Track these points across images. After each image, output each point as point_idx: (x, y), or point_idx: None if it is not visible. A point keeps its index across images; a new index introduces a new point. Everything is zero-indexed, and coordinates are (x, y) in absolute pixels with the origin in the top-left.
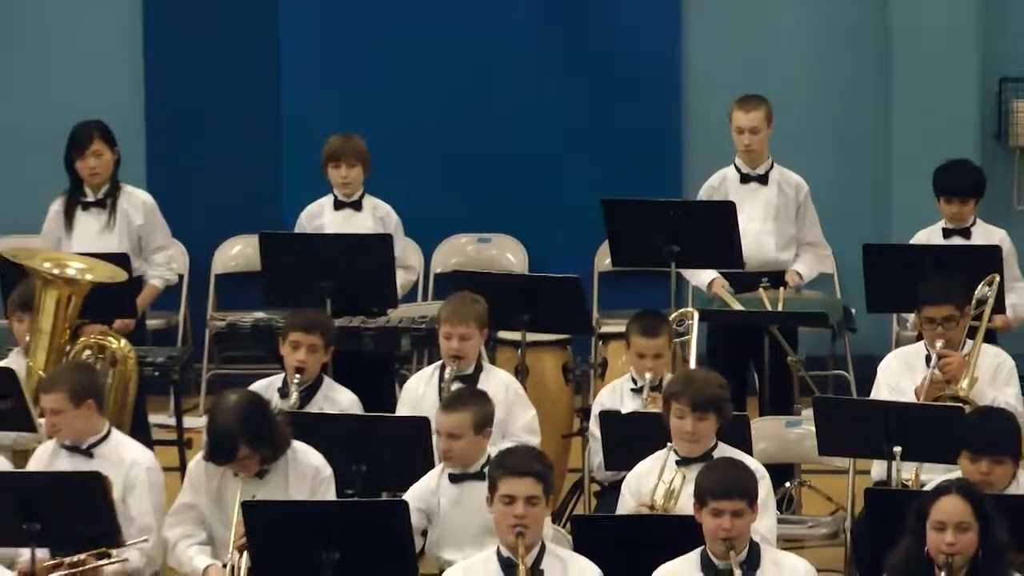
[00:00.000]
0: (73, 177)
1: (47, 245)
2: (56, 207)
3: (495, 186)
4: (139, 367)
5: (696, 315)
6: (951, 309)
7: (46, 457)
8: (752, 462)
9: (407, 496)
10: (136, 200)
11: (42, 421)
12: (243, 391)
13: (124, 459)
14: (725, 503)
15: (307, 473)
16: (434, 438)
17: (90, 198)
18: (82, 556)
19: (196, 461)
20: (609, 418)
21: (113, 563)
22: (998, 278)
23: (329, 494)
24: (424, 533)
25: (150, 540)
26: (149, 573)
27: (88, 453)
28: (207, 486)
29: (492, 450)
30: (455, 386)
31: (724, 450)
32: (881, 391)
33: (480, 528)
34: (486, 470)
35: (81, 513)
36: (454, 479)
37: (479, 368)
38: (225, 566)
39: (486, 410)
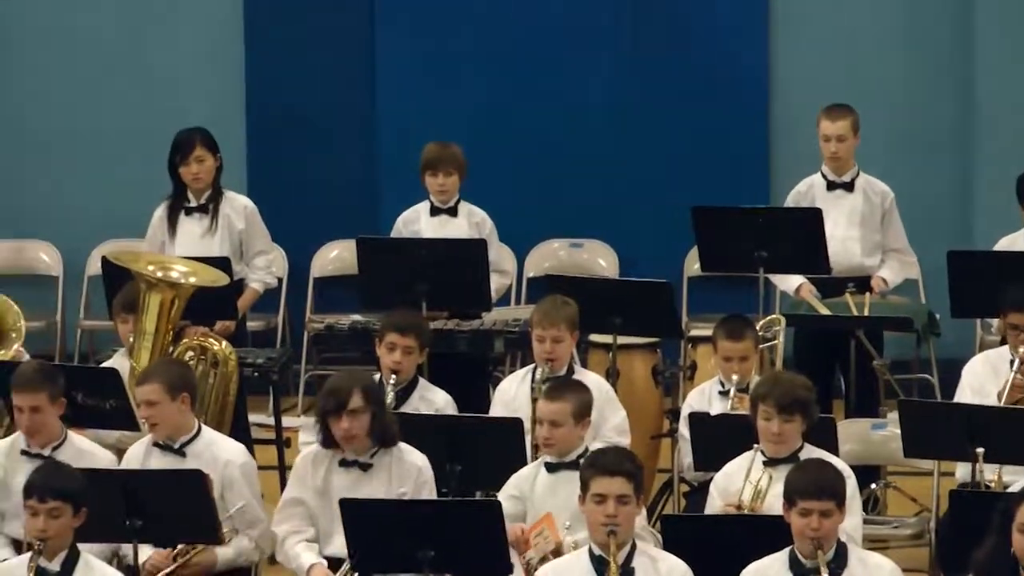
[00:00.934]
0: (176, 183)
1: (151, 249)
2: (160, 212)
3: (587, 192)
4: (239, 368)
5: (783, 322)
6: None
7: (139, 456)
8: (837, 462)
9: (507, 485)
10: (238, 205)
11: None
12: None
13: (218, 457)
14: (814, 503)
15: (411, 472)
16: (527, 438)
17: (193, 203)
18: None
19: (302, 456)
20: (698, 420)
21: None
22: None
23: (430, 495)
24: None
25: (259, 529)
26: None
27: (181, 452)
28: (313, 480)
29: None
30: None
31: (810, 451)
32: (965, 394)
33: (572, 518)
34: (582, 461)
35: (182, 510)
36: (551, 468)
37: (571, 371)
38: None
39: (586, 399)
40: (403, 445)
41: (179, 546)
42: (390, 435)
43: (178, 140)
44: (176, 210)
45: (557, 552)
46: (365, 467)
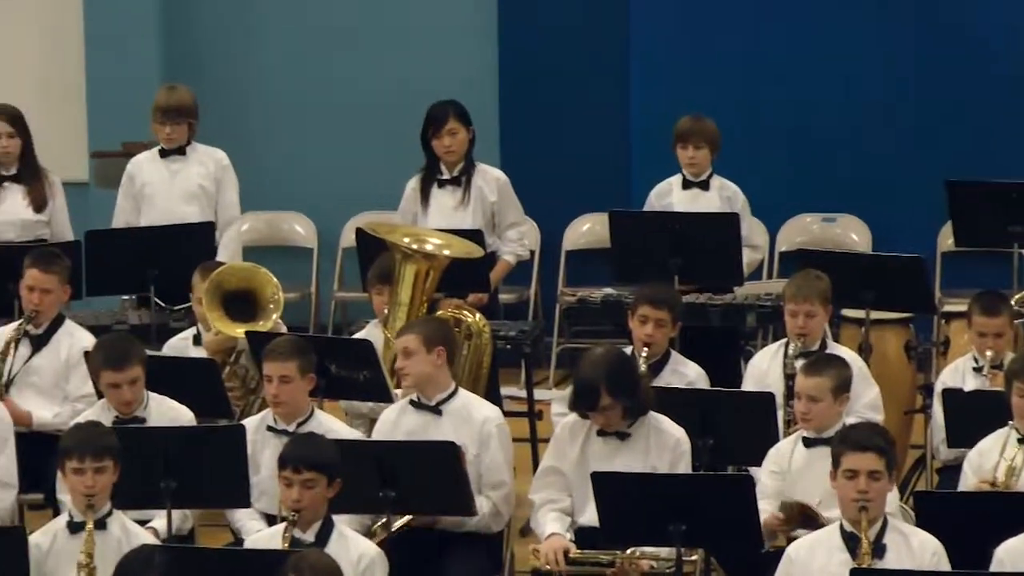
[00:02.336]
0: (430, 155)
1: (403, 221)
2: (413, 184)
3: (840, 166)
4: (492, 340)
5: None
6: None
7: (393, 416)
8: None
9: (766, 460)
10: (490, 178)
11: (398, 392)
12: (609, 346)
13: (474, 416)
14: None
15: (668, 443)
16: (779, 413)
17: (446, 176)
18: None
19: (562, 425)
20: (952, 396)
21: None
22: None
23: (685, 468)
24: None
25: (502, 492)
26: (500, 525)
27: (436, 410)
28: (570, 449)
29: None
30: (799, 363)
31: None
32: None
33: (826, 493)
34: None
35: (436, 482)
36: (808, 443)
37: (823, 346)
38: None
39: (845, 375)
40: (661, 416)
41: None
42: (644, 405)
43: (432, 113)
44: (429, 182)
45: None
46: (623, 436)
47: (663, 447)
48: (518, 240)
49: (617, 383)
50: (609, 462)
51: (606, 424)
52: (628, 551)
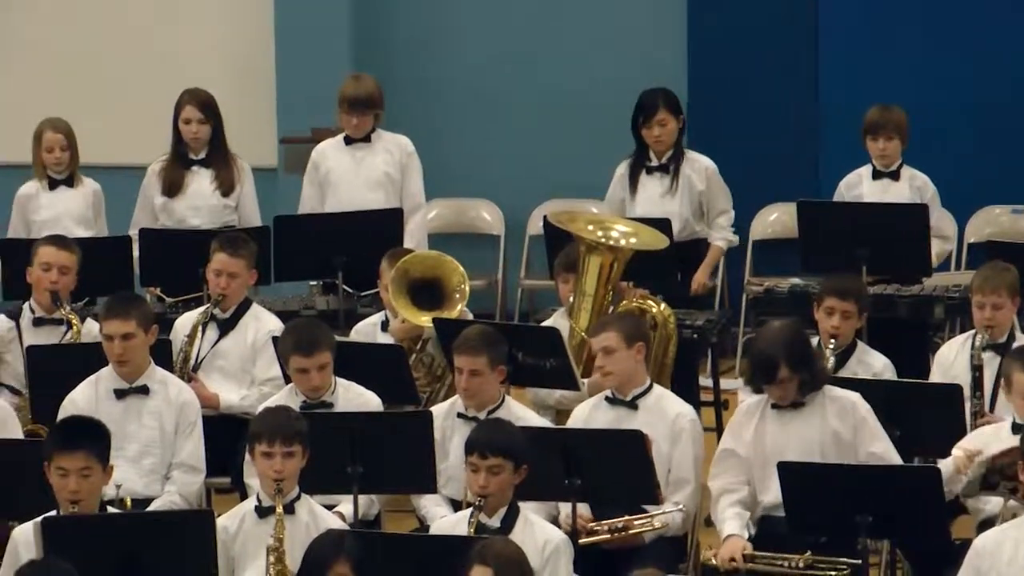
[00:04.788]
0: (639, 142)
1: (611, 208)
2: (621, 170)
3: None
4: (678, 330)
5: None
6: None
7: (587, 411)
8: None
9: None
10: (699, 166)
11: (585, 381)
12: (786, 320)
13: (667, 411)
14: None
15: (847, 409)
16: (966, 405)
17: (654, 163)
18: (622, 520)
19: (738, 409)
20: None
21: (654, 530)
22: None
23: (868, 430)
24: None
25: (686, 491)
26: (688, 527)
27: (632, 405)
28: (746, 428)
29: None
30: (986, 355)
31: None
32: None
33: None
34: None
35: (622, 470)
36: (1016, 429)
37: (1011, 337)
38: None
39: None
40: (834, 387)
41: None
42: (820, 379)
43: (642, 101)
44: (638, 169)
45: None
46: (797, 406)
47: (842, 413)
48: (728, 226)
49: (795, 356)
50: (784, 433)
51: (782, 397)
52: (807, 553)
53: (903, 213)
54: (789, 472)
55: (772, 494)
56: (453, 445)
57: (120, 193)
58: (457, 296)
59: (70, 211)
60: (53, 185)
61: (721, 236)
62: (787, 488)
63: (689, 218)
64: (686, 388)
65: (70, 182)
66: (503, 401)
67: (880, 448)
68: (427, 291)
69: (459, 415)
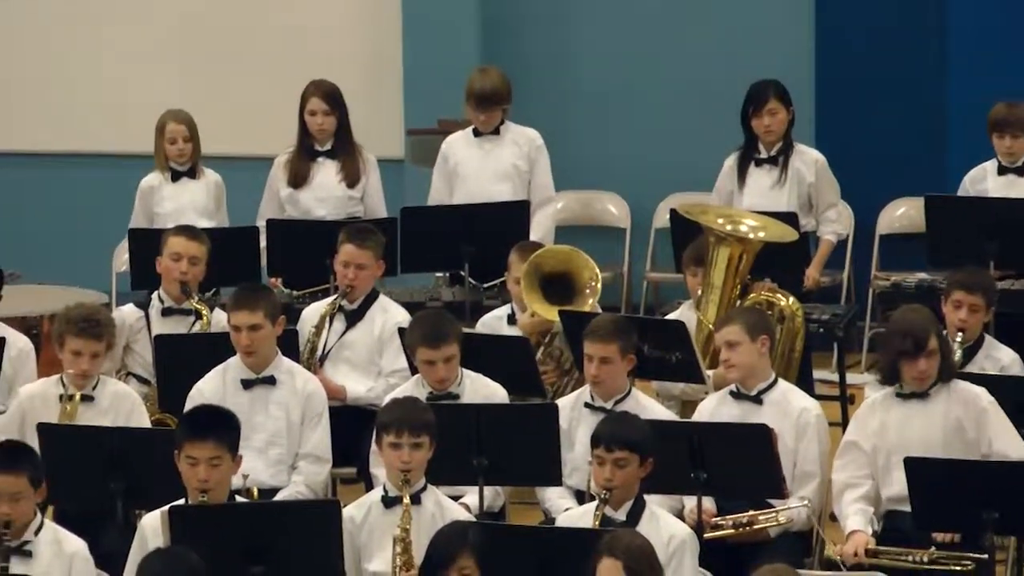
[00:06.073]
0: (748, 133)
1: (719, 199)
2: (730, 162)
3: None
4: (805, 323)
5: None
6: None
7: (712, 405)
8: None
9: None
10: (808, 159)
11: (710, 373)
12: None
13: (792, 406)
14: None
15: (971, 402)
16: None
17: (763, 155)
18: (747, 515)
19: (863, 403)
20: None
21: (779, 526)
22: None
23: (994, 422)
24: None
25: (811, 486)
26: (812, 522)
27: (757, 400)
28: (871, 420)
29: None
30: None
31: None
32: None
33: None
34: None
35: (747, 464)
36: None
37: None
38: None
39: None
40: (958, 380)
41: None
42: (952, 369)
43: (752, 92)
44: (747, 160)
45: None
46: (922, 396)
47: (966, 406)
48: (838, 220)
49: (940, 333)
50: (908, 424)
51: (920, 376)
52: (930, 549)
53: None
54: (915, 467)
55: (895, 487)
56: (579, 435)
57: (242, 184)
58: (588, 291)
59: (193, 202)
60: (176, 177)
61: (831, 230)
62: (913, 483)
63: (796, 211)
64: (802, 382)
65: (192, 173)
66: (630, 391)
67: (1004, 443)
68: (558, 285)
69: (586, 404)
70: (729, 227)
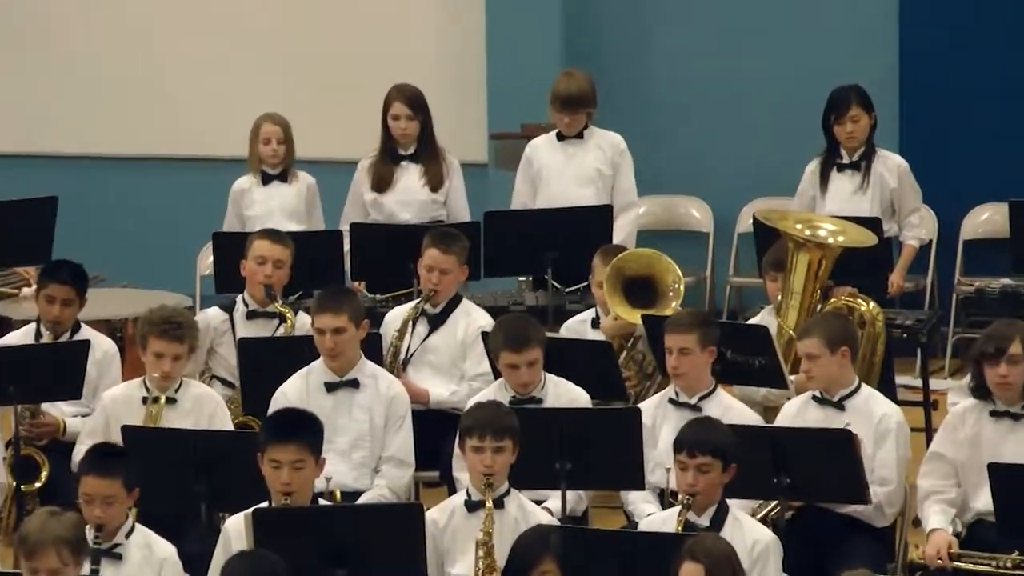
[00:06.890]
0: (830, 139)
1: (800, 204)
2: (812, 167)
3: None
4: (887, 329)
5: None
6: None
7: (794, 410)
8: None
9: None
10: (891, 164)
11: (792, 378)
12: None
13: (874, 411)
14: None
15: None
16: None
17: (845, 160)
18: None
19: (953, 411)
20: None
21: None
22: None
23: None
24: None
25: (887, 489)
26: (882, 522)
27: (839, 406)
28: (961, 432)
29: None
30: None
31: None
32: None
33: None
34: None
35: (831, 469)
36: None
37: None
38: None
39: None
40: None
41: None
42: None
43: (834, 98)
44: (829, 166)
45: None
46: (1017, 417)
47: None
48: (920, 224)
49: None
50: (1002, 442)
51: (1002, 386)
52: (1014, 552)
53: None
54: (1000, 474)
55: (984, 500)
56: (663, 433)
57: (333, 187)
58: (671, 295)
59: (283, 206)
60: (266, 180)
61: (914, 235)
62: (997, 490)
63: (879, 218)
64: (885, 387)
65: (284, 177)
66: (715, 389)
67: None
68: (641, 289)
69: (670, 400)
70: (808, 232)
